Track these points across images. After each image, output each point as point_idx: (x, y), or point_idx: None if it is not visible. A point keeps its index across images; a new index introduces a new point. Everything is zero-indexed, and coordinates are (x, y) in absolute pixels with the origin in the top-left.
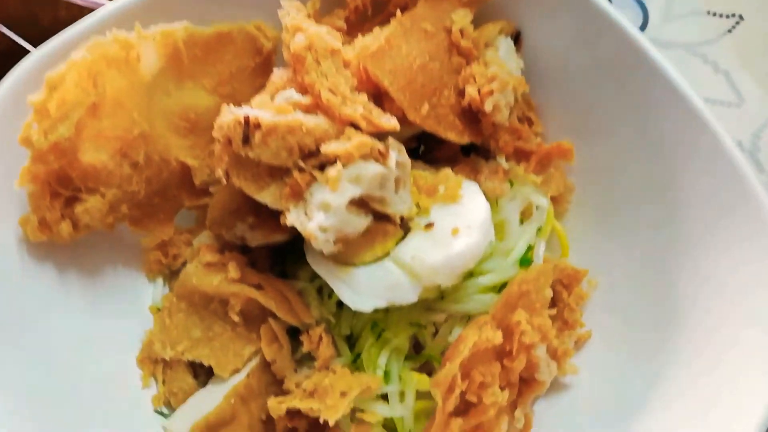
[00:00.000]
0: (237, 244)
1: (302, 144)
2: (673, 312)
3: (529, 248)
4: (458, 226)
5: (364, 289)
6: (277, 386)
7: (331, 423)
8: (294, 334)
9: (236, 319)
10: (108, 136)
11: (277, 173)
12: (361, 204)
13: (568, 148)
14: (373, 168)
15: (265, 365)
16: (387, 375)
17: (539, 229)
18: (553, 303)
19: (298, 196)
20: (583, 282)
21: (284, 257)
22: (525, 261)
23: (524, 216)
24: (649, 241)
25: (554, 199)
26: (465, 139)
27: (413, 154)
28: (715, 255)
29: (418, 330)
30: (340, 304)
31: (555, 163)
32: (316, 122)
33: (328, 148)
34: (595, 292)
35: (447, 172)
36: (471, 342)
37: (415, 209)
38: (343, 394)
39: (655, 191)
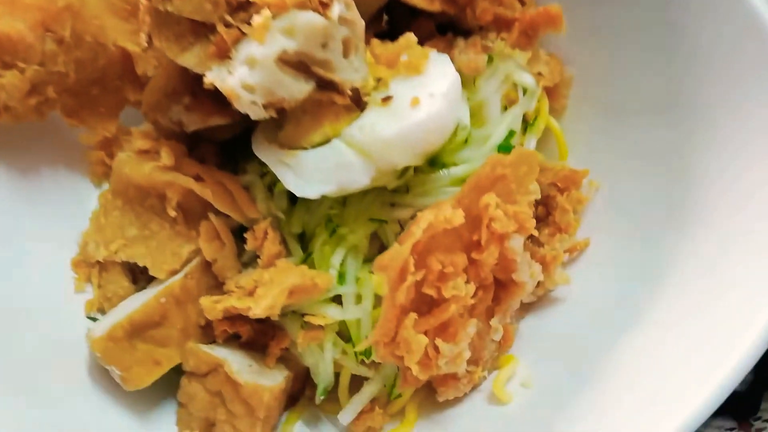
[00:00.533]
0: (176, 131)
1: None
2: (681, 214)
3: (510, 134)
4: (419, 95)
5: (311, 172)
6: (220, 290)
7: (254, 314)
8: (241, 234)
9: (173, 213)
10: (26, 3)
11: (202, 31)
12: (300, 66)
13: (555, 14)
14: (310, 18)
15: (206, 266)
16: (342, 276)
17: (530, 124)
18: (547, 210)
19: (223, 54)
20: (584, 186)
21: (236, 155)
22: (504, 148)
23: (509, 102)
24: (659, 136)
25: (549, 92)
26: (436, 5)
27: (380, 34)
28: (732, 146)
29: (380, 227)
30: (294, 200)
31: (545, 40)
32: None
33: None
34: (597, 196)
35: (409, 38)
36: (425, 222)
37: (371, 82)
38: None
39: (667, 65)
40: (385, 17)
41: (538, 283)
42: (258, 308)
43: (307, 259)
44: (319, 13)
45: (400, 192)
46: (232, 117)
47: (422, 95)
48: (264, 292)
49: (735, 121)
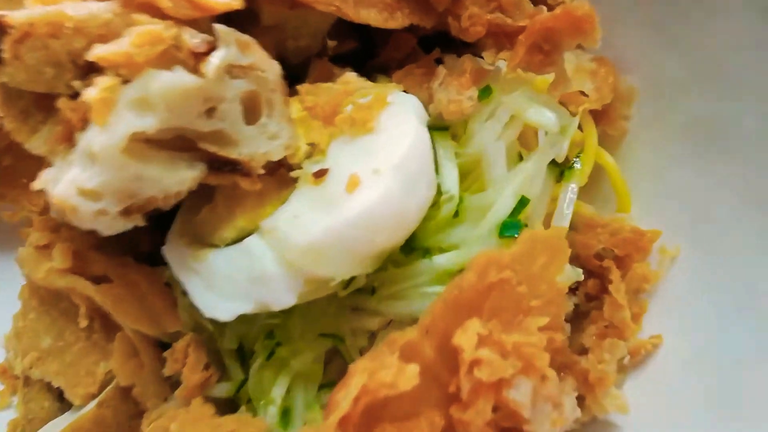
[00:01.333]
0: None
1: (73, 51)
2: None
3: (522, 203)
4: (359, 171)
5: (222, 283)
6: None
7: None
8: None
9: (83, 323)
10: None
11: (51, 105)
12: (180, 143)
13: (582, 17)
14: (171, 80)
15: (127, 391)
16: (286, 414)
17: (568, 168)
18: (600, 288)
19: (69, 138)
20: (654, 252)
21: None
22: (509, 228)
23: (526, 147)
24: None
25: (599, 116)
26: (397, 20)
27: (348, 59)
28: None
29: (338, 344)
30: None
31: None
32: (92, 11)
33: (95, 52)
34: (675, 269)
35: (348, 80)
36: (356, 387)
37: (303, 148)
38: None
39: None
40: (331, 41)
41: (583, 406)
42: None
43: (243, 386)
44: (189, 69)
45: (364, 292)
46: None
47: (364, 171)
48: None
49: None
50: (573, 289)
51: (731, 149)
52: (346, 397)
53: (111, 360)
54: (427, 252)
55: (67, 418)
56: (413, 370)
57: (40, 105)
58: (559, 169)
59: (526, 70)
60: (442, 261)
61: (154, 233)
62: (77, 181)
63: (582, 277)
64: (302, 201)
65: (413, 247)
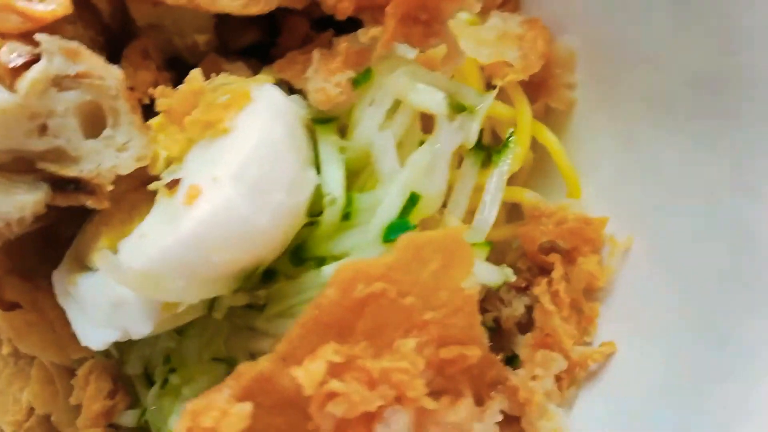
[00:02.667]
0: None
1: None
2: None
3: (412, 201)
4: (201, 181)
5: (91, 310)
6: None
7: None
8: None
9: (5, 350)
10: None
11: None
12: (20, 166)
13: None
14: None
15: (48, 418)
16: None
17: (495, 152)
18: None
19: None
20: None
21: None
22: (394, 231)
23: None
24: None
25: (535, 87)
26: (264, 6)
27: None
28: None
29: (232, 369)
30: None
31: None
32: None
33: None
34: (630, 261)
35: (193, 80)
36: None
37: (163, 157)
38: None
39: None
40: (204, 36)
41: (519, 428)
42: None
43: (144, 414)
44: (6, 86)
45: (255, 310)
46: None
47: (204, 181)
48: None
49: None
50: (524, 288)
51: (698, 118)
52: None
53: (27, 390)
54: (320, 262)
55: None
56: (242, 411)
57: None
58: (486, 154)
59: (411, 45)
60: (330, 271)
61: None
62: None
63: (513, 278)
64: (156, 216)
65: (303, 258)
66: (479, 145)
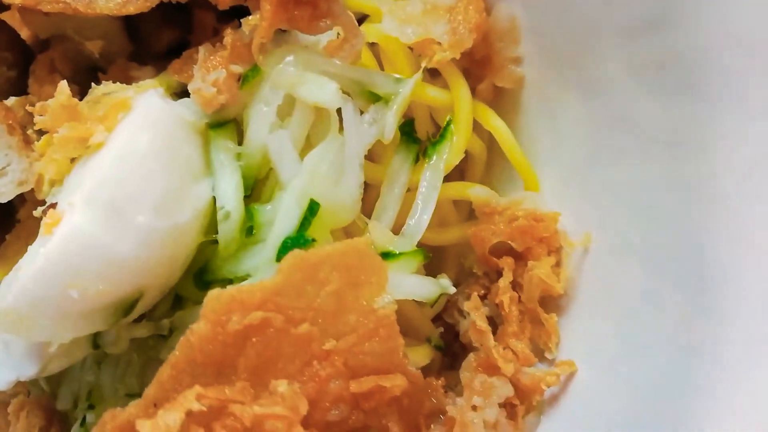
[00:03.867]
0: None
1: None
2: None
3: (311, 211)
4: (62, 206)
5: None
6: None
7: None
8: None
9: None
10: None
11: None
12: None
13: None
14: None
15: None
16: None
17: (431, 144)
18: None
19: None
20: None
21: None
22: (290, 245)
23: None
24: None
25: (482, 65)
26: (143, 4)
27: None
28: None
29: None
30: None
31: None
32: None
33: None
34: (588, 264)
35: (61, 92)
36: None
37: (48, 179)
38: None
39: None
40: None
41: None
42: None
43: None
44: None
45: (162, 340)
46: None
47: (64, 205)
48: None
49: None
50: (482, 297)
51: (658, 92)
52: None
53: None
54: (229, 284)
55: None
56: None
57: None
58: (420, 147)
59: (298, 30)
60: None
61: None
62: None
63: (453, 290)
64: (36, 246)
65: (207, 281)
66: (411, 138)
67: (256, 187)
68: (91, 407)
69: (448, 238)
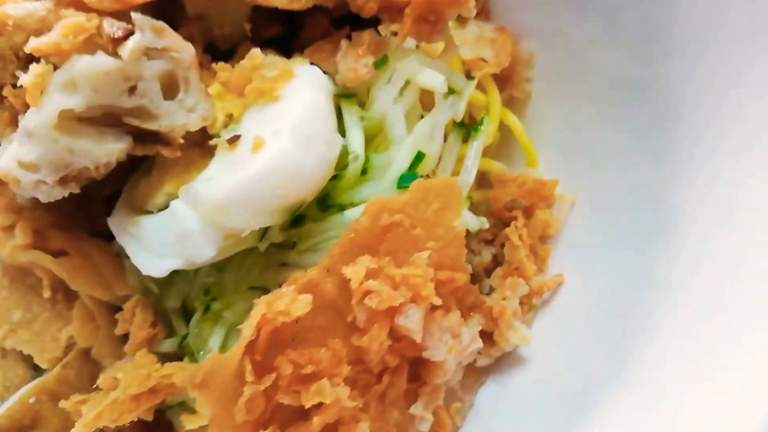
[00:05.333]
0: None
1: (14, 45)
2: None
3: (418, 157)
4: (263, 133)
5: (154, 244)
6: None
7: None
8: None
9: (47, 294)
10: None
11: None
12: (107, 121)
13: None
14: (92, 63)
15: (87, 353)
16: None
17: (474, 129)
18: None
19: (15, 122)
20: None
21: None
22: (406, 179)
23: (427, 109)
24: (645, 118)
25: (503, 80)
26: (305, 3)
27: (276, 42)
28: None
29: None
30: None
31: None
32: (29, 10)
33: (30, 44)
34: (576, 212)
35: (254, 56)
36: (256, 317)
37: (220, 119)
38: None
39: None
40: (248, 25)
41: (492, 342)
42: (77, 426)
43: (185, 340)
44: (109, 53)
45: (287, 247)
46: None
47: (267, 133)
48: (94, 402)
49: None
50: (490, 241)
51: (620, 112)
52: (247, 326)
53: (70, 326)
54: (342, 208)
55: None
56: (306, 299)
57: None
58: (466, 131)
59: (418, 39)
60: (352, 214)
61: (107, 213)
62: (17, 155)
63: (486, 225)
64: (218, 165)
65: (328, 205)
66: (461, 123)
67: (369, 142)
68: (213, 299)
69: (473, 196)
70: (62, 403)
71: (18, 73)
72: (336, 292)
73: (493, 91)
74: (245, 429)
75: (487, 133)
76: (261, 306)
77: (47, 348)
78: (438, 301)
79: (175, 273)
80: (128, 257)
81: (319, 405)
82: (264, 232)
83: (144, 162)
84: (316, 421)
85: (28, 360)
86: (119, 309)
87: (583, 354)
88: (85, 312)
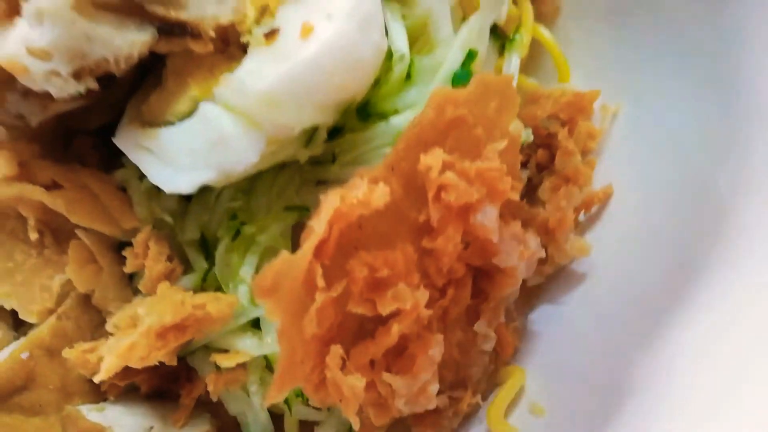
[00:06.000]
0: (21, 127)
1: None
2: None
3: (470, 56)
4: (311, 19)
5: (178, 156)
6: None
7: (99, 378)
8: None
9: (34, 236)
10: None
11: None
12: (128, 8)
13: None
14: None
15: (87, 300)
16: None
17: (509, 40)
18: (551, 153)
19: (13, 11)
20: (596, 112)
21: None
22: (462, 77)
23: (468, 11)
24: (693, 21)
25: None
26: None
27: None
28: None
29: (303, 216)
30: (189, 196)
31: None
32: None
33: None
34: (616, 124)
35: None
36: (328, 211)
37: (251, 14)
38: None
39: None
40: None
41: (545, 258)
42: (107, 362)
43: (210, 273)
44: None
45: (325, 162)
46: (85, 99)
47: (317, 19)
48: (122, 336)
49: None
50: (523, 163)
51: (654, 21)
52: (319, 222)
53: (67, 269)
54: (384, 116)
55: (22, 341)
56: (383, 188)
57: None
58: (501, 42)
59: None
60: (398, 121)
61: (100, 150)
62: (27, 39)
63: (531, 138)
64: (256, 60)
65: (370, 113)
66: (496, 34)
67: (411, 44)
68: (242, 224)
69: None
70: (66, 352)
71: None
72: (401, 192)
73: (525, 3)
74: (315, 345)
75: (522, 45)
76: (333, 198)
77: (36, 299)
78: (516, 196)
79: (191, 201)
80: (132, 188)
81: (394, 314)
82: (310, 136)
83: (149, 76)
84: (396, 329)
85: (5, 319)
86: (121, 247)
87: (638, 266)
88: (83, 252)
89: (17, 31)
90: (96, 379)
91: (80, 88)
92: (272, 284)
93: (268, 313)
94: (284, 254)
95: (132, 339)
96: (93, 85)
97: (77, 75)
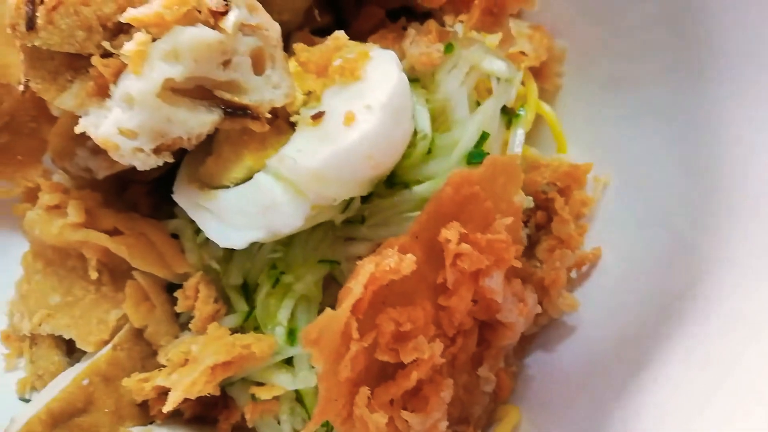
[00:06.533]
0: (87, 178)
1: (102, 15)
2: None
3: (483, 137)
4: (354, 109)
5: (234, 216)
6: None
7: (172, 402)
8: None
9: (95, 275)
10: None
11: (81, 64)
12: (199, 93)
13: None
14: (196, 34)
15: (139, 333)
16: (292, 334)
17: (515, 116)
18: (548, 215)
19: (103, 92)
20: (590, 182)
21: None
22: (476, 156)
23: (483, 96)
24: (674, 100)
25: (537, 73)
26: None
27: (320, 30)
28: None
29: (334, 269)
30: None
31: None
32: None
33: (129, 14)
34: (608, 193)
35: (339, 37)
36: (365, 275)
37: (300, 97)
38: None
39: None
40: (316, 11)
41: (540, 311)
42: (174, 395)
43: (251, 315)
44: (210, 25)
45: (355, 223)
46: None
47: (358, 108)
48: (185, 372)
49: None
50: (524, 222)
51: (640, 89)
52: (356, 284)
53: (123, 306)
54: (407, 185)
55: (78, 368)
56: (411, 257)
57: (69, 65)
58: (508, 117)
59: (480, 30)
60: (420, 190)
61: (151, 197)
62: (119, 122)
63: (532, 204)
64: (303, 140)
65: (395, 182)
66: (504, 110)
67: (432, 123)
68: (282, 273)
69: None
70: (126, 381)
71: (104, 43)
72: (423, 257)
73: (530, 83)
74: (346, 386)
75: (527, 120)
76: (369, 265)
77: (93, 331)
78: (518, 264)
79: (236, 251)
80: (185, 237)
81: (413, 362)
82: (347, 204)
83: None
84: (415, 375)
85: (60, 347)
86: (171, 289)
87: (623, 320)
88: (139, 292)
89: (112, 115)
90: (164, 410)
91: (159, 162)
92: (317, 336)
93: (313, 359)
94: (328, 311)
95: (194, 377)
96: (170, 159)
97: (157, 150)
